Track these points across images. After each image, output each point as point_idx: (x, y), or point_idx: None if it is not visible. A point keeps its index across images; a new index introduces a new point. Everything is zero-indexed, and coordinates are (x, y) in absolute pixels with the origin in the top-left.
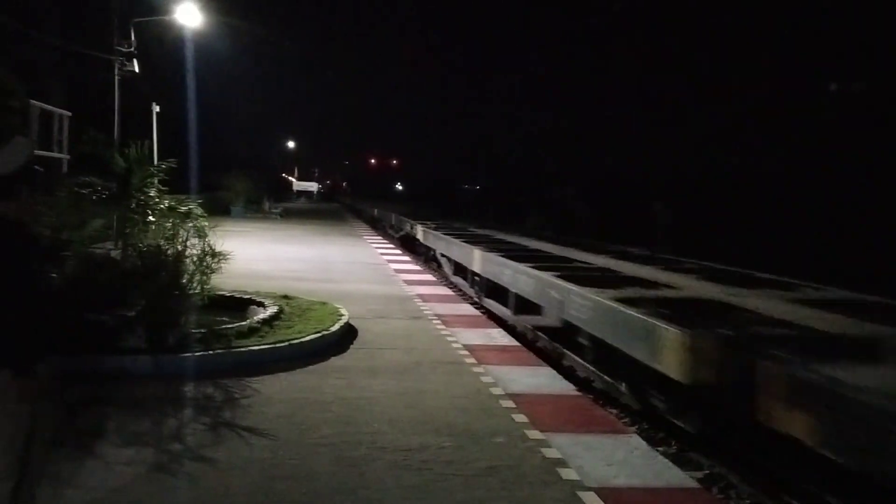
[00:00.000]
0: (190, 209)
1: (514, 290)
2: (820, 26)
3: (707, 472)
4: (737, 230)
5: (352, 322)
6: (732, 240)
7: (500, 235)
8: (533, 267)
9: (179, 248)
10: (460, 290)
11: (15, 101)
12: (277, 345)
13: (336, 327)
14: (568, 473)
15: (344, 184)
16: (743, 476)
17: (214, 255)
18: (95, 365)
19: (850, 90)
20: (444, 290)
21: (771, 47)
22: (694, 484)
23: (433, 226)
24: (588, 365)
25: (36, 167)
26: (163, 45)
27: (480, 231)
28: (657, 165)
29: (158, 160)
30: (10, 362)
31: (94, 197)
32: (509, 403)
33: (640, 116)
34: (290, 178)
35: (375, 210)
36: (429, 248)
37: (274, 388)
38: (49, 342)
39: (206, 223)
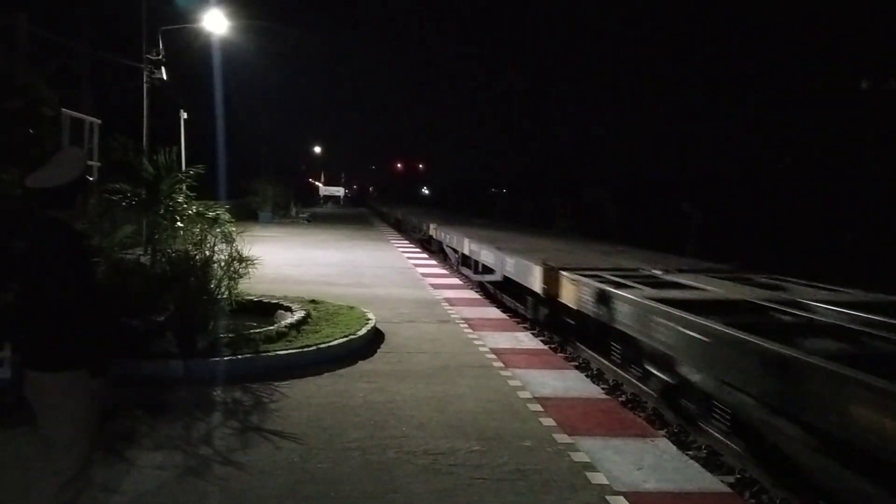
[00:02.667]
0: (217, 215)
1: None
2: (853, 22)
3: (738, 476)
4: (768, 231)
5: (380, 326)
6: (764, 241)
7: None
8: None
9: (207, 253)
10: (487, 293)
11: (48, 109)
12: (305, 349)
13: (363, 331)
14: (597, 477)
15: (371, 188)
16: (775, 480)
17: (242, 260)
18: (127, 369)
19: (884, 87)
20: (471, 294)
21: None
22: (725, 488)
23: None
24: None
25: (88, 177)
26: (191, 52)
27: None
28: (685, 166)
29: (186, 166)
30: (89, 362)
31: (123, 203)
32: (537, 407)
33: (666, 117)
34: (316, 182)
35: (434, 224)
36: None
37: (302, 393)
38: (117, 344)
39: (234, 228)
